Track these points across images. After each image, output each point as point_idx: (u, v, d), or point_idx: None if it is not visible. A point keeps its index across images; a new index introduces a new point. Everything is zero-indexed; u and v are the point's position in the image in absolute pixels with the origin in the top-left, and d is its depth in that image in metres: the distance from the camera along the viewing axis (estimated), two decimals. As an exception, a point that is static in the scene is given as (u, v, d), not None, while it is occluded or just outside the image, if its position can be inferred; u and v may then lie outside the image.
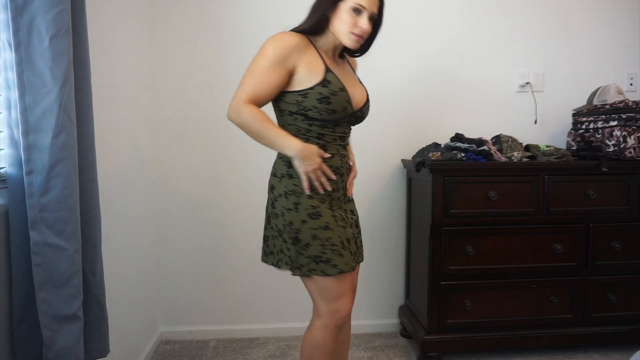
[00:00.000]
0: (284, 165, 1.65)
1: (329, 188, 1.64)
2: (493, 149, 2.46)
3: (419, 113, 2.82)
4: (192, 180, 2.72)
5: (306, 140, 1.62)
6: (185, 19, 2.65)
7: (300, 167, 1.59)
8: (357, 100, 1.67)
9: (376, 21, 1.65)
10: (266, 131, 1.57)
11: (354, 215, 1.80)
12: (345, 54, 1.77)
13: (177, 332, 2.78)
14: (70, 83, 1.29)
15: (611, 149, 2.47)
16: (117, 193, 2.08)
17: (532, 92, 2.88)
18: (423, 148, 2.51)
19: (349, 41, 1.59)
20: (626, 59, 2.93)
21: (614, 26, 2.90)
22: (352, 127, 1.75)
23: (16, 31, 1.21)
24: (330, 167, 1.65)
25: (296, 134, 1.62)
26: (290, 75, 1.59)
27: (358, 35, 1.58)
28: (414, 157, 2.52)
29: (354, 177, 1.83)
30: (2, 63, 1.27)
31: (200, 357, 2.55)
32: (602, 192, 2.44)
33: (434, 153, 2.39)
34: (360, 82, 1.78)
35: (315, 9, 1.64)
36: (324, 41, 1.66)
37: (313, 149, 1.60)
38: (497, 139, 2.58)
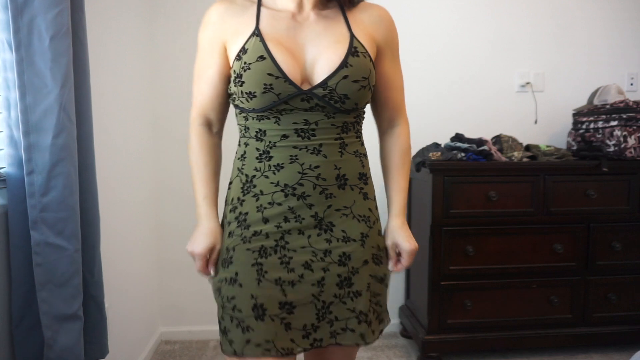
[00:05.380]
0: (228, 186, 1.23)
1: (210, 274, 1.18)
2: (493, 149, 2.46)
3: (419, 113, 2.81)
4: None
5: (246, 145, 1.17)
6: (185, 18, 2.65)
7: None
8: (307, 68, 1.11)
9: None
10: (193, 181, 1.21)
11: (345, 264, 1.14)
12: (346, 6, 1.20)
13: (177, 332, 2.78)
14: (70, 83, 1.29)
15: (611, 148, 2.47)
16: (116, 193, 2.08)
17: (532, 92, 2.88)
18: (423, 148, 2.51)
19: None
20: (627, 59, 2.92)
21: (615, 26, 2.90)
22: (334, 114, 1.13)
23: (16, 31, 1.21)
24: (276, 184, 1.12)
25: (242, 135, 1.20)
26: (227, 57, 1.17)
27: None
28: (414, 157, 2.52)
29: (409, 260, 1.23)
30: (2, 63, 1.27)
31: (200, 357, 2.54)
32: (602, 192, 2.43)
33: (434, 153, 2.39)
34: (357, 46, 1.13)
35: None
36: None
37: (200, 242, 1.16)
38: (497, 139, 2.57)
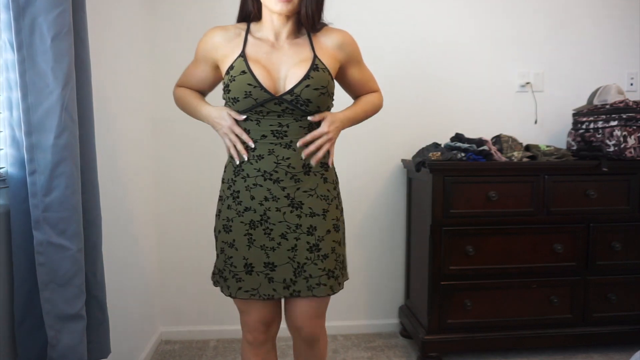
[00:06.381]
0: (224, 169, 1.60)
1: (245, 157, 1.47)
2: (493, 148, 2.46)
3: (419, 113, 2.82)
4: (192, 180, 2.72)
5: None
6: (186, 18, 2.65)
7: (218, 133, 1.54)
8: (280, 82, 1.46)
9: None
10: (188, 106, 1.65)
11: (312, 234, 1.49)
12: (312, 33, 1.53)
13: (177, 332, 2.78)
14: (72, 83, 1.28)
15: (611, 148, 2.47)
16: (118, 193, 2.08)
17: (532, 92, 2.88)
18: (423, 148, 2.52)
19: (274, 6, 1.43)
20: (626, 59, 2.93)
21: (615, 26, 2.90)
22: (301, 118, 1.47)
23: (18, 31, 1.21)
24: (257, 170, 1.46)
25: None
26: (218, 69, 1.58)
27: None
28: (414, 157, 2.52)
29: (322, 134, 1.49)
30: (4, 63, 1.27)
31: (200, 357, 2.55)
32: (602, 192, 2.44)
33: (434, 153, 2.39)
34: (317, 64, 1.47)
35: None
36: (263, 25, 1.52)
37: (222, 111, 1.51)
38: (497, 139, 2.58)
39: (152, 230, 2.64)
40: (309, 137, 1.47)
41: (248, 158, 1.48)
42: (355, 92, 1.70)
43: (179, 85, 1.70)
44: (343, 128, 1.58)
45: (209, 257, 2.78)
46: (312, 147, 1.48)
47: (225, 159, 1.60)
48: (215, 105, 1.57)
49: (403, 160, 2.77)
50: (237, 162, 1.50)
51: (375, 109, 1.71)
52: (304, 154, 1.47)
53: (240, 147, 1.48)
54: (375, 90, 1.73)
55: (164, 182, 2.71)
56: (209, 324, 2.80)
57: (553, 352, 2.54)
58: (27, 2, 1.21)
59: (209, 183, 2.73)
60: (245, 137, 1.47)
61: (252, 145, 1.46)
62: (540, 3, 2.86)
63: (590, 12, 2.89)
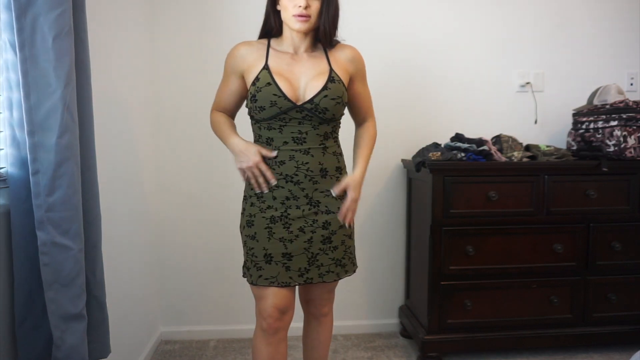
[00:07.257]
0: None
1: (265, 190, 1.65)
2: (493, 148, 2.46)
3: (418, 113, 2.82)
4: (192, 180, 2.72)
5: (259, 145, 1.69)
6: (185, 18, 2.65)
7: (236, 164, 1.69)
8: (300, 91, 1.62)
9: None
10: (220, 132, 1.77)
11: (327, 228, 1.68)
12: (327, 48, 1.72)
13: (177, 332, 2.78)
14: (73, 83, 1.28)
15: (611, 148, 2.47)
16: (117, 193, 2.08)
17: (532, 92, 2.88)
18: (423, 148, 2.52)
19: (293, 24, 1.61)
20: (626, 59, 2.93)
21: (614, 26, 2.91)
22: (318, 125, 1.65)
23: (20, 31, 1.21)
24: (280, 174, 1.63)
25: (255, 140, 1.72)
26: (244, 80, 1.71)
27: (298, 15, 1.59)
28: (414, 157, 2.52)
29: (353, 201, 1.71)
30: (4, 63, 1.27)
31: (200, 357, 2.55)
32: (602, 192, 2.44)
33: (434, 153, 2.39)
34: (334, 76, 1.65)
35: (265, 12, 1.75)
36: (283, 40, 1.71)
37: (251, 147, 1.65)
38: (497, 139, 2.58)
39: (152, 230, 2.64)
40: (344, 210, 1.68)
41: (271, 165, 1.64)
42: (355, 107, 1.84)
43: (214, 109, 1.81)
44: (362, 182, 1.77)
45: (209, 257, 2.79)
46: (349, 215, 1.71)
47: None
48: (238, 140, 1.70)
49: (403, 160, 2.77)
50: (258, 192, 1.66)
51: (375, 141, 1.88)
52: (346, 224, 1.70)
53: (261, 180, 1.64)
54: (371, 114, 1.87)
55: (163, 182, 2.70)
56: (209, 324, 2.80)
57: (553, 352, 2.55)
58: (29, 2, 1.21)
59: (209, 183, 2.73)
60: (269, 174, 1.63)
61: (274, 182, 1.64)
62: (541, 3, 2.86)
63: (591, 13, 2.89)
